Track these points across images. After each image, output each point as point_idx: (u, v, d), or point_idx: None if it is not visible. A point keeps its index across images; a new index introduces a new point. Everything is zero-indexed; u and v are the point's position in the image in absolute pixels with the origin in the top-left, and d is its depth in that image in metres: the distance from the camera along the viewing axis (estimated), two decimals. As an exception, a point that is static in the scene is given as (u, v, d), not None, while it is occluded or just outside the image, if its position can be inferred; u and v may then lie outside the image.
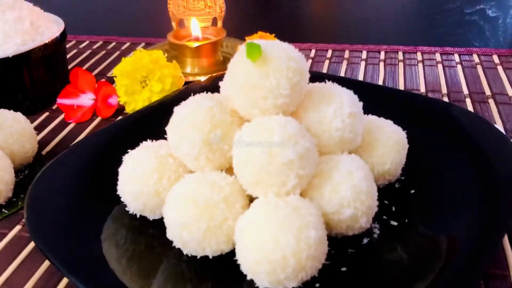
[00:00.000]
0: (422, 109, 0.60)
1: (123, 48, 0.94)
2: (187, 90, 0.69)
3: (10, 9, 0.70)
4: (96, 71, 0.85)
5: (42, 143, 0.65)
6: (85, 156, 0.56)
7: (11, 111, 0.60)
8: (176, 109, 0.47)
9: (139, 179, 0.46)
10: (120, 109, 0.72)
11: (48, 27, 0.73)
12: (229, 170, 0.46)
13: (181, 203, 0.42)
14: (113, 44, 0.96)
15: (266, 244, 0.38)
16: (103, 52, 0.93)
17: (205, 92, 0.67)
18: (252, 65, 0.43)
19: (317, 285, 0.41)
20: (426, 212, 0.48)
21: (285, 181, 0.41)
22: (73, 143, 0.58)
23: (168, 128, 0.47)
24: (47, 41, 0.71)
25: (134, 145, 0.57)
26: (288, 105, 0.44)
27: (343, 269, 0.43)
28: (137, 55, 0.69)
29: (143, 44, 0.95)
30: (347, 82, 0.67)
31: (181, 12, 0.83)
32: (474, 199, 0.48)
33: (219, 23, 0.83)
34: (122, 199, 0.49)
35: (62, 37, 0.74)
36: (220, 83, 0.54)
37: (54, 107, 0.75)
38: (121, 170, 0.48)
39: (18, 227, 0.52)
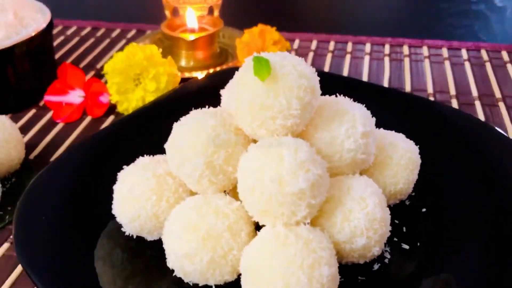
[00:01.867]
0: (432, 117, 0.57)
1: (113, 35, 0.89)
2: (184, 90, 0.65)
3: (-9, -1, 0.65)
4: (85, 62, 0.81)
5: (29, 146, 0.62)
6: (77, 165, 0.53)
7: (-6, 114, 0.56)
8: (176, 126, 0.43)
9: (136, 200, 0.43)
10: (112, 107, 0.68)
11: (33, 18, 0.68)
12: (233, 190, 0.43)
13: (183, 232, 0.39)
14: (102, 30, 0.91)
15: (276, 282, 0.36)
16: (92, 39, 0.88)
17: (202, 91, 0.65)
18: (260, 83, 0.39)
19: (327, 320, 0.39)
20: (438, 234, 0.46)
21: (295, 211, 0.38)
22: (63, 151, 0.54)
23: (167, 147, 0.44)
24: (33, 34, 0.66)
25: (130, 151, 0.53)
26: (298, 125, 0.41)
27: (354, 300, 0.41)
28: (130, 51, 0.65)
29: (134, 31, 0.90)
30: (347, 82, 0.65)
31: (175, 0, 0.78)
32: (488, 217, 0.46)
33: (216, 12, 0.79)
34: (117, 220, 0.45)
35: (49, 29, 0.69)
36: (221, 92, 0.51)
37: (41, 104, 0.70)
38: (116, 189, 0.45)
39: (6, 245, 0.49)
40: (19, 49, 0.65)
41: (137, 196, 0.43)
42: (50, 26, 0.70)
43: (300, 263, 0.36)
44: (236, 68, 0.69)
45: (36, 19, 0.69)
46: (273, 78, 0.39)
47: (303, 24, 0.94)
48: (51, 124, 0.66)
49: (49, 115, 0.68)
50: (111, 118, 0.67)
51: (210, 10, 0.80)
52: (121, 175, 0.46)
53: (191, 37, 0.74)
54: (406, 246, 0.45)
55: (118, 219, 0.45)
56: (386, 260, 0.44)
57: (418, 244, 0.45)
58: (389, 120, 0.57)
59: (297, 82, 0.39)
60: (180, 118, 0.51)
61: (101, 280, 0.43)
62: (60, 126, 0.66)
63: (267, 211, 0.38)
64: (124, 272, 0.44)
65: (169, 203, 0.43)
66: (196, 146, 0.41)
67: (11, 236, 0.49)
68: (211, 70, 0.73)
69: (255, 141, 0.42)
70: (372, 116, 0.45)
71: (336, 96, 0.45)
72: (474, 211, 0.47)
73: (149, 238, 0.45)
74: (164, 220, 0.43)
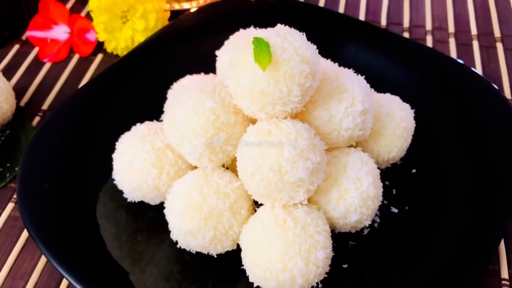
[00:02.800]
0: (427, 67, 0.57)
1: None
2: (176, 27, 0.62)
3: None
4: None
5: (18, 91, 0.60)
6: (73, 119, 0.53)
7: (-20, 65, 0.54)
8: (173, 104, 0.43)
9: (136, 173, 0.44)
10: (100, 44, 0.65)
11: None
12: (233, 163, 0.44)
13: (185, 211, 0.41)
14: None
15: (275, 264, 0.38)
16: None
17: (195, 28, 0.63)
18: (260, 69, 0.38)
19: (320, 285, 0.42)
20: (427, 197, 0.48)
21: (294, 196, 0.40)
22: (58, 105, 0.53)
23: (165, 123, 0.43)
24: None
25: (126, 99, 0.55)
26: (297, 109, 0.40)
27: (345, 266, 0.44)
28: (115, -14, 0.60)
29: None
30: (342, 20, 0.62)
31: None
32: (478, 179, 0.48)
33: None
34: (118, 187, 0.47)
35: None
36: (217, 53, 0.49)
37: (23, 38, 0.67)
38: (116, 160, 0.46)
39: (10, 205, 0.50)
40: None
41: (138, 170, 0.44)
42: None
43: (298, 249, 0.38)
44: (228, 1, 0.66)
45: None
46: (274, 64, 0.38)
47: None
48: (37, 63, 0.64)
49: (34, 52, 0.65)
50: (100, 57, 0.64)
51: None
52: (119, 145, 0.46)
53: (178, -39, 0.68)
54: (395, 210, 0.48)
55: (119, 187, 0.47)
56: (376, 225, 0.47)
57: (407, 208, 0.48)
58: (382, 64, 0.57)
59: (298, 69, 0.38)
60: (175, 83, 0.51)
61: (106, 237, 0.46)
62: (47, 66, 0.64)
63: (266, 195, 0.40)
64: (129, 230, 0.47)
65: (169, 176, 0.45)
66: (195, 129, 0.40)
67: (15, 196, 0.51)
68: (201, 0, 0.69)
69: (254, 120, 0.42)
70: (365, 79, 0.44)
71: (334, 63, 0.45)
72: (465, 172, 0.49)
73: (151, 203, 0.47)
74: (166, 191, 0.45)
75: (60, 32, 0.65)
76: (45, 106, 0.59)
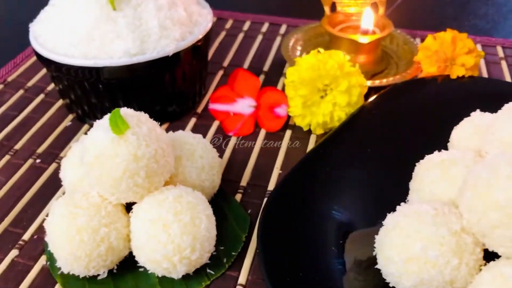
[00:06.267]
0: None
1: (262, 30, 0.79)
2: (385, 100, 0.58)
3: (162, -9, 0.56)
4: (246, 63, 0.71)
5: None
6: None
7: (191, 134, 0.48)
8: (481, 178, 0.35)
9: (430, 263, 0.36)
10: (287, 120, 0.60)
11: (200, 14, 0.60)
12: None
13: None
14: (248, 24, 0.81)
15: None
16: (241, 34, 0.78)
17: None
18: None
19: None
20: None
21: None
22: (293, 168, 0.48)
23: (466, 203, 0.36)
24: (204, 33, 0.58)
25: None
26: None
27: None
28: (319, 58, 0.56)
29: (285, 26, 0.80)
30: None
31: (336, -5, 0.69)
32: None
33: (381, 10, 0.70)
34: (389, 279, 0.38)
35: (212, 26, 0.61)
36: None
37: (199, 111, 0.62)
38: (387, 239, 0.38)
39: (235, 298, 0.42)
40: (190, 51, 0.56)
41: (433, 258, 0.36)
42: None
43: None
44: (425, 80, 0.62)
45: (203, 15, 0.60)
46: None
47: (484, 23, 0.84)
48: (223, 137, 0.58)
49: (215, 125, 0.60)
50: (289, 133, 0.59)
51: (373, 7, 0.71)
52: (391, 226, 0.38)
53: (362, 39, 0.65)
54: None
55: (389, 279, 0.38)
56: None
57: None
58: None
59: None
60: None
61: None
62: (233, 140, 0.58)
63: None
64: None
65: (468, 267, 0.36)
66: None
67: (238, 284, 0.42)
68: (384, 80, 0.64)
69: None
70: None
71: None
72: None
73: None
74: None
75: (245, 105, 0.60)
76: (243, 183, 0.52)
